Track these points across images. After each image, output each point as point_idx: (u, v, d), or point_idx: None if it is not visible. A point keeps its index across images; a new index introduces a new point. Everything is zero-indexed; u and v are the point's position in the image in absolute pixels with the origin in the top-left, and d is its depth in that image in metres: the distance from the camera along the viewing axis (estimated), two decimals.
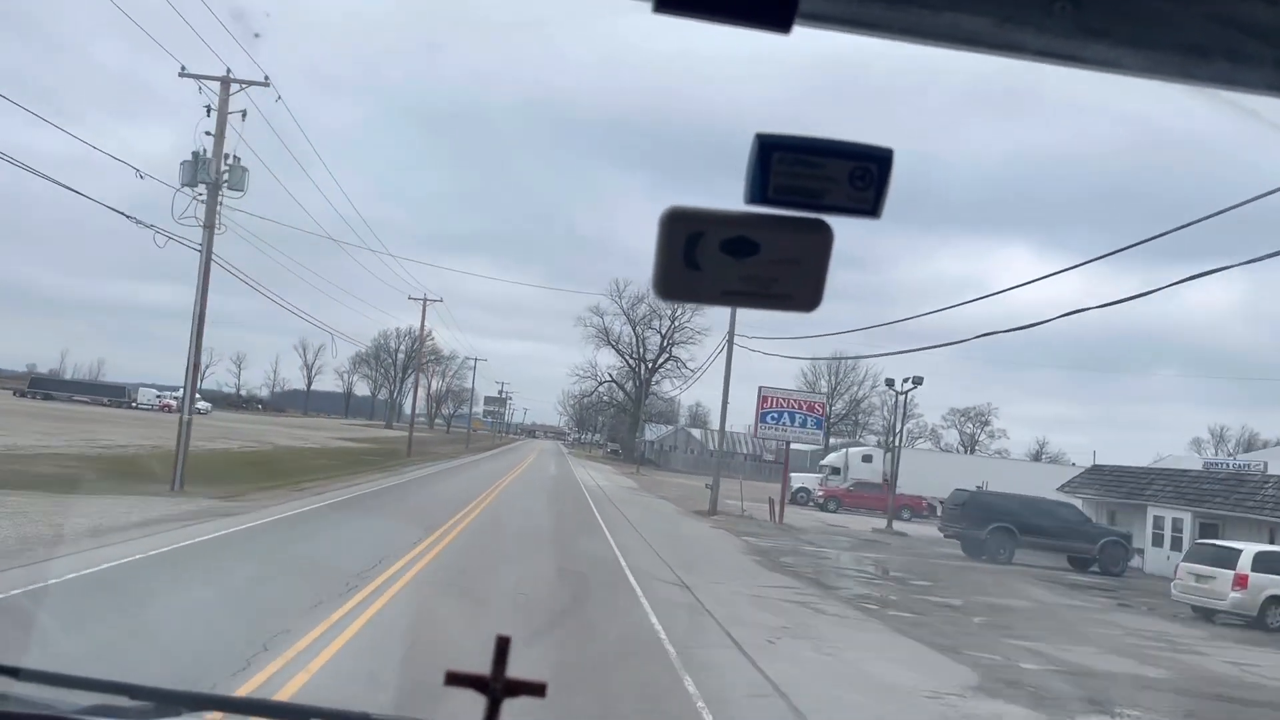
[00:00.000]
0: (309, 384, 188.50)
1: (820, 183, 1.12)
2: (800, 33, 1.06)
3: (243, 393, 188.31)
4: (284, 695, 7.73)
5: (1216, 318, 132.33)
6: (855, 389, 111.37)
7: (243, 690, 7.66)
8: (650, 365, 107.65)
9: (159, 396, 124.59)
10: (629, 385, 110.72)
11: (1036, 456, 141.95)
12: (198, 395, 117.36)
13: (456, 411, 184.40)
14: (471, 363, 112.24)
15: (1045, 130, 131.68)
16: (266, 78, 23.84)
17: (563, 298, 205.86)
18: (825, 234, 1.17)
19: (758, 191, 1.12)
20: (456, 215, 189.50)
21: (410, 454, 62.83)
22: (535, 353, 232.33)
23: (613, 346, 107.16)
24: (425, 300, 63.09)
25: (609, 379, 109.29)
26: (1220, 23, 1.08)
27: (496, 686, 1.43)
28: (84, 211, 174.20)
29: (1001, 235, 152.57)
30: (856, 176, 1.13)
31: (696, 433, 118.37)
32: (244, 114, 22.75)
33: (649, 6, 0.98)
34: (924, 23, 1.11)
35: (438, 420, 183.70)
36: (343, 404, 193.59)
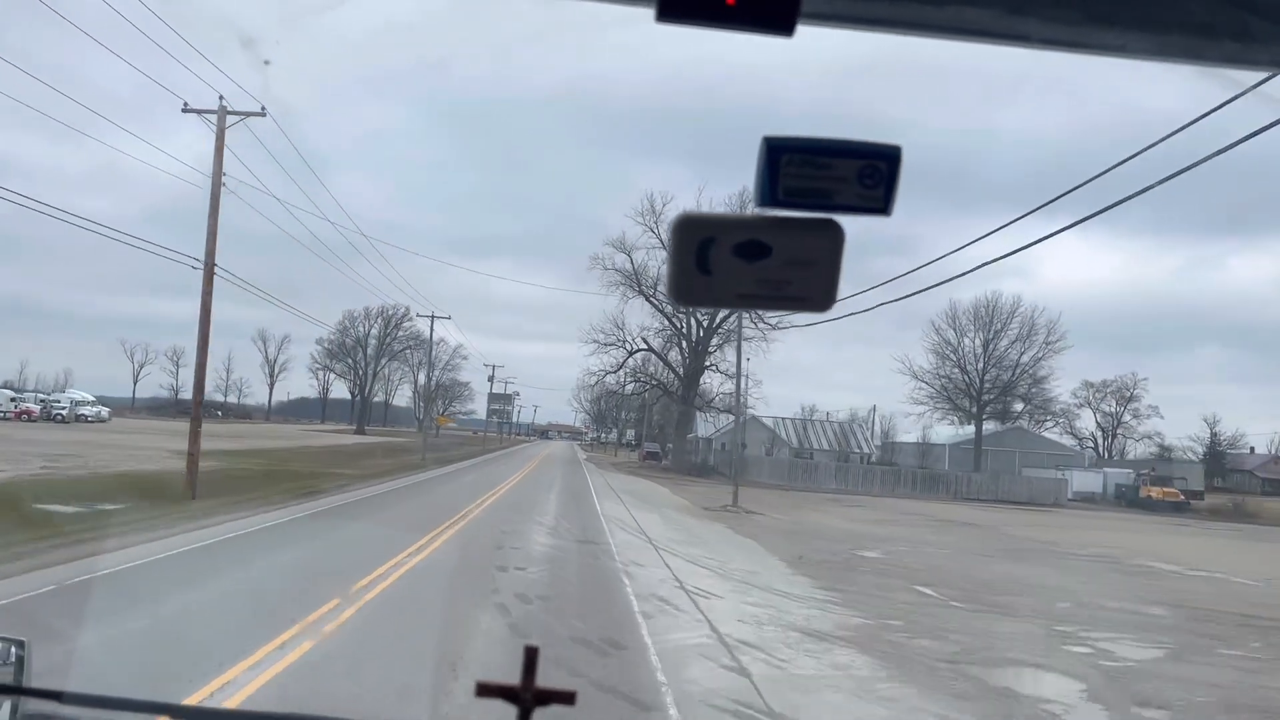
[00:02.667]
0: (271, 383, 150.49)
1: (829, 183, 1.09)
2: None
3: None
4: None
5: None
6: (1019, 348, 70.77)
7: None
8: (707, 326, 67.98)
9: (15, 401, 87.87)
10: (673, 355, 71.10)
11: (1214, 444, 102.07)
12: (92, 399, 70.91)
13: (447, 409, 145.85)
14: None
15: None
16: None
17: (584, 297, 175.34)
18: (836, 234, 1.13)
19: (767, 194, 1.09)
20: (480, 218, 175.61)
21: (192, 490, 24.20)
22: (554, 353, 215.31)
23: (646, 297, 67.45)
24: (223, 108, 24.37)
25: (644, 345, 69.64)
26: (1227, 3, 1.06)
27: (526, 696, 1.41)
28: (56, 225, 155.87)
29: (1046, 215, 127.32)
30: (866, 175, 1.09)
31: (770, 421, 78.37)
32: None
33: (652, 15, 0.98)
34: (929, 17, 1.08)
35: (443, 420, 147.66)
36: (330, 408, 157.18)
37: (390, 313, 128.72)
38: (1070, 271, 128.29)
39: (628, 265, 68.43)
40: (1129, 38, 1.08)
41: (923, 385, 70.76)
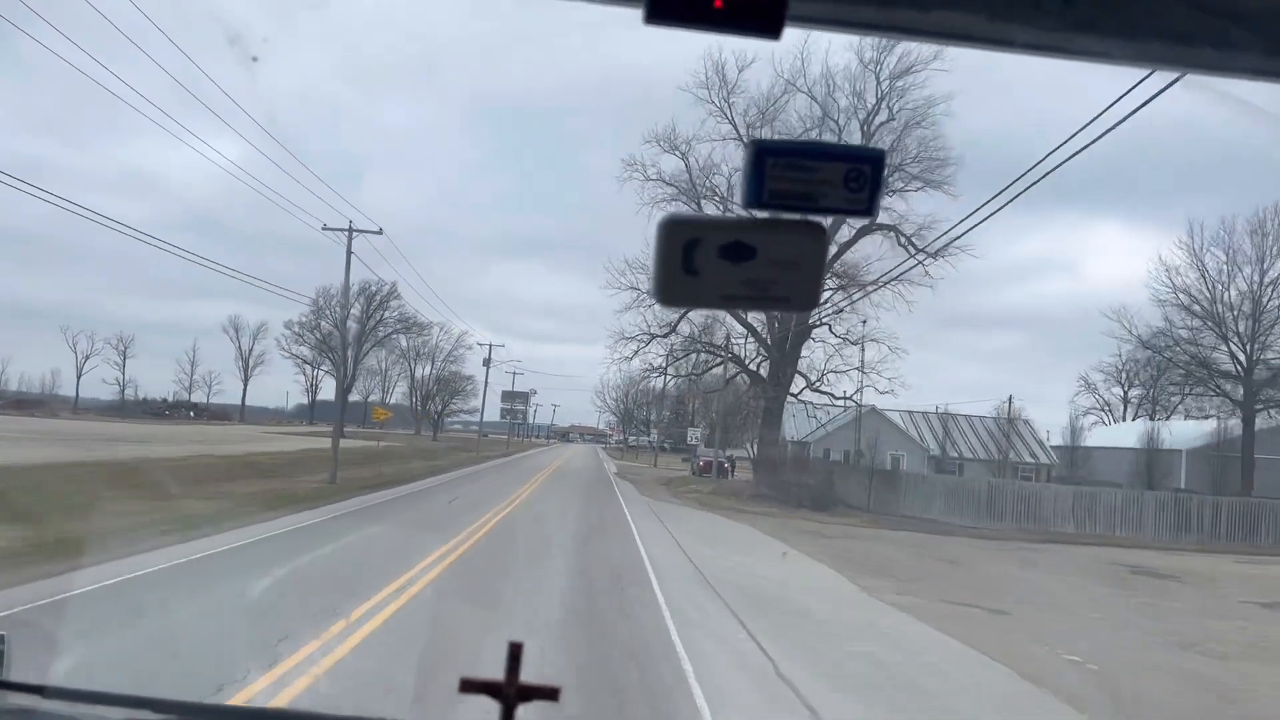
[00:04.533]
0: (245, 376, 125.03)
1: (815, 186, 1.08)
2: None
3: (165, 397, 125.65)
4: None
5: None
6: None
7: None
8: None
9: None
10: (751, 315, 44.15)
11: None
12: None
13: (447, 408, 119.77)
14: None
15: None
16: None
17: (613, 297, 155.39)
18: (821, 236, 1.14)
19: (753, 196, 1.08)
20: (512, 220, 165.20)
21: None
22: (577, 355, 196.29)
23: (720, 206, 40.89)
24: None
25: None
26: (1206, 11, 1.06)
27: (510, 692, 1.39)
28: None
29: (1094, 211, 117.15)
30: (851, 178, 1.09)
31: (898, 418, 51.28)
32: None
33: (640, 17, 0.97)
34: (913, 21, 1.08)
35: (445, 421, 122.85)
36: (319, 407, 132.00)
37: (374, 289, 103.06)
38: (1122, 269, 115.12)
39: (681, 171, 42.05)
40: (1110, 44, 1.07)
41: (1155, 356, 43.82)
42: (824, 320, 40.57)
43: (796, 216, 1.11)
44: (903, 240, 38.03)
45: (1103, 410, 77.73)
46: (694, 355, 44.67)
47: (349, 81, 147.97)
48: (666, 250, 1.11)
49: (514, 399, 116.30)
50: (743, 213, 1.12)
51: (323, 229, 32.80)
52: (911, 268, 33.29)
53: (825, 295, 40.17)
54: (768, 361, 43.39)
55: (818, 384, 41.31)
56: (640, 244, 60.33)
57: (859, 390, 41.66)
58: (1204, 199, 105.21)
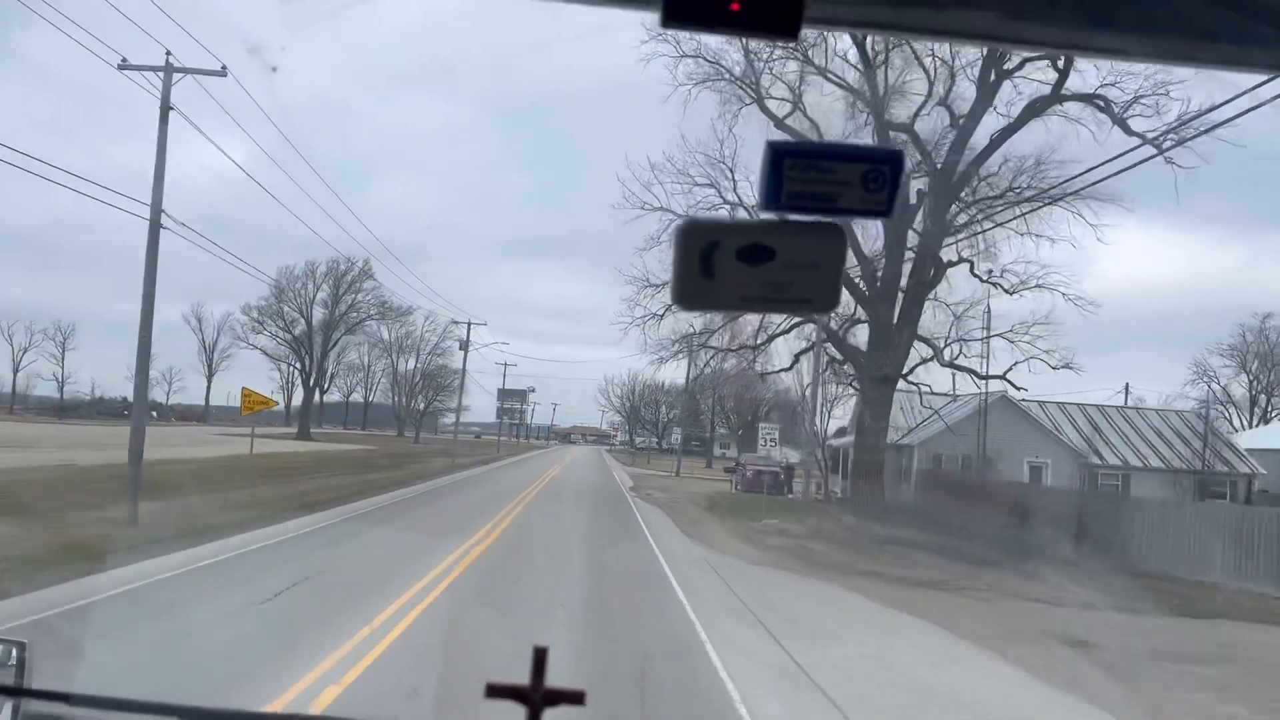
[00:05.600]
0: (209, 372, 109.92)
1: (833, 187, 1.08)
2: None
3: (125, 396, 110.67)
4: None
5: None
6: None
7: None
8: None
9: None
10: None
11: None
12: None
13: (430, 406, 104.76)
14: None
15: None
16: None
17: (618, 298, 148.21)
18: (839, 237, 1.13)
19: (771, 198, 1.08)
20: (523, 220, 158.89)
21: None
22: (580, 355, 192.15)
23: (775, 117, 25.95)
24: None
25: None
26: (1225, 6, 1.04)
27: (536, 697, 1.37)
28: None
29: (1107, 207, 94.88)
30: (870, 179, 1.08)
31: (1030, 409, 36.10)
32: None
33: (657, 20, 0.97)
34: (929, 20, 1.07)
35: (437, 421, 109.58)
36: (330, 412, 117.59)
37: (344, 267, 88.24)
38: (1130, 266, 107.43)
39: (725, 49, 27.62)
40: (1128, 41, 1.06)
41: None
42: (962, 255, 25.69)
43: (815, 218, 1.08)
44: (1114, 117, 23.00)
45: (1225, 404, 63.11)
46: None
47: (355, 84, 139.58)
48: (684, 255, 1.09)
49: (509, 397, 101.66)
50: (761, 215, 1.09)
51: (120, 66, 18.03)
52: (1151, 157, 18.41)
53: (963, 218, 25.42)
54: (863, 325, 28.60)
55: (955, 355, 26.39)
56: (674, 139, 45.12)
57: (1009, 366, 26.80)
58: (1208, 197, 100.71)
